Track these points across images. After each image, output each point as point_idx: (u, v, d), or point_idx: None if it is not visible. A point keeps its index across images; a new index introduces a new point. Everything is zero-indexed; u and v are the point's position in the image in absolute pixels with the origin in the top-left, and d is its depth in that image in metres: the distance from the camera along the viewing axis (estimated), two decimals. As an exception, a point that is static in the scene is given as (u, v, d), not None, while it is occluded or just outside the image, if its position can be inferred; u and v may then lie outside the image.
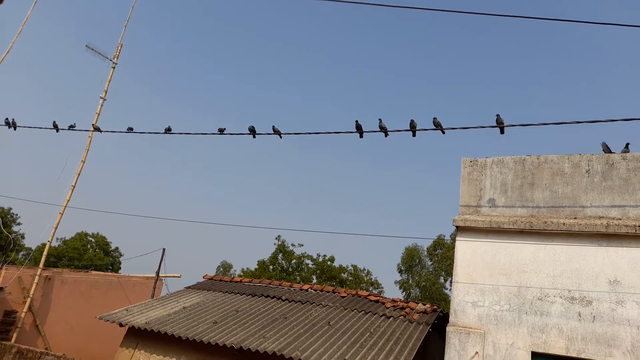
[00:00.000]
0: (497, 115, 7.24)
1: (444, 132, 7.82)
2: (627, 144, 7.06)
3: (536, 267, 6.64)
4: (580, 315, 6.18)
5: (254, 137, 9.38)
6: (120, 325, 9.51)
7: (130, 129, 11.21)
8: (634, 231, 6.20)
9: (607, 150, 7.02)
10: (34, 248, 33.40)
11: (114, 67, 16.63)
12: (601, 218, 6.57)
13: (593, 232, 6.42)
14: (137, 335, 9.39)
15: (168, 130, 10.60)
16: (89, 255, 36.76)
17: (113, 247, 40.61)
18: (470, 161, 7.80)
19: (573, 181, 6.95)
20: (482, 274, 6.90)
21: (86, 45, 15.96)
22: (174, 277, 18.07)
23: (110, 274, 20.38)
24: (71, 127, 12.39)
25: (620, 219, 6.45)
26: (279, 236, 31.73)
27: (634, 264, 6.17)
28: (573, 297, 6.31)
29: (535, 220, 6.82)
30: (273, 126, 9.17)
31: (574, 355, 6.03)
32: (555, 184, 7.05)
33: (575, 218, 6.71)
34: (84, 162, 15.35)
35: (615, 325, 5.98)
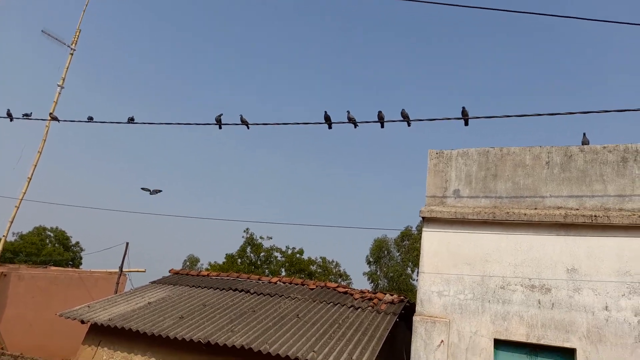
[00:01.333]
0: (463, 107, 7.37)
1: (409, 124, 7.89)
2: (584, 134, 7.32)
3: (499, 257, 6.83)
4: (539, 303, 6.41)
5: (220, 127, 9.20)
6: (82, 322, 9.19)
7: (90, 119, 10.76)
8: (590, 221, 6.47)
9: (585, 141, 7.25)
10: (-12, 244, 31.79)
11: (72, 54, 15.91)
12: (560, 208, 6.81)
13: (552, 222, 6.66)
14: (100, 332, 9.10)
15: (131, 120, 10.23)
16: (48, 250, 35.33)
17: (73, 241, 39.14)
18: (437, 153, 7.92)
19: (534, 172, 7.17)
20: (447, 264, 7.04)
21: (42, 31, 15.17)
22: (138, 272, 17.59)
23: (70, 269, 19.69)
24: (26, 116, 11.78)
25: (577, 209, 6.71)
26: (247, 229, 31.44)
27: (590, 252, 6.44)
28: (533, 285, 6.53)
29: (498, 211, 7.00)
30: (240, 115, 9.00)
31: (534, 341, 6.26)
32: (517, 175, 7.26)
33: (535, 208, 6.93)
34: (40, 153, 14.67)
35: (573, 311, 6.24)
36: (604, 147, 6.91)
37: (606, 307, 6.14)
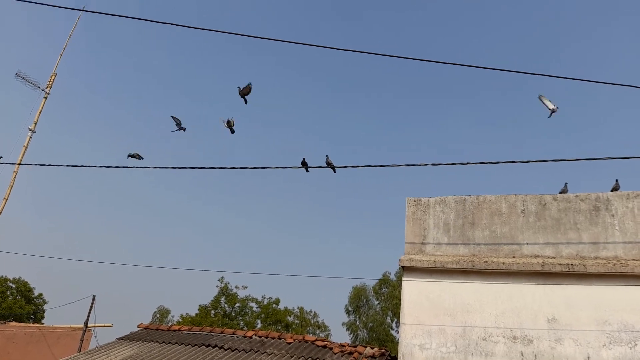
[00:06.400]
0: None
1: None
2: (566, 184, 7.55)
3: (479, 307, 6.73)
4: (522, 355, 6.27)
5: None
6: (39, 385, 8.48)
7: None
8: (567, 269, 6.49)
9: (564, 190, 7.47)
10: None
11: (46, 98, 15.74)
12: (537, 257, 6.84)
13: (530, 270, 6.65)
14: (58, 396, 8.39)
15: (135, 156, 9.61)
16: (8, 303, 33.30)
17: (36, 293, 37.13)
18: (414, 201, 7.95)
19: (510, 221, 7.24)
20: (428, 314, 6.89)
21: (16, 74, 15.05)
22: (104, 327, 16.66)
23: (31, 324, 18.52)
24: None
25: (554, 258, 6.75)
26: (222, 278, 30.51)
27: (569, 301, 6.41)
28: (515, 336, 6.42)
29: (477, 260, 6.98)
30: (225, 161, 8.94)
31: (518, 395, 6.06)
32: (493, 223, 7.31)
33: (513, 257, 6.94)
34: (6, 199, 14.12)
35: (555, 363, 6.11)
36: (576, 196, 7.08)
37: (588, 357, 6.05)
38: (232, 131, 8.72)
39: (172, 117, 8.93)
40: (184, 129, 9.03)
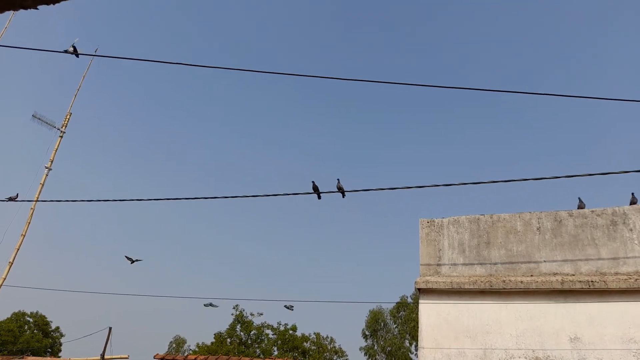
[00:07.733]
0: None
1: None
2: (580, 198, 7.47)
3: (499, 328, 6.60)
4: (546, 376, 6.10)
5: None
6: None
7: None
8: (587, 286, 6.36)
9: (581, 205, 7.41)
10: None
11: (61, 137, 16.14)
12: (556, 275, 6.72)
13: (550, 289, 6.53)
14: None
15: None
16: (26, 337, 33.42)
17: (53, 326, 37.26)
18: (428, 222, 7.91)
19: (526, 239, 7.16)
20: (447, 337, 6.77)
21: (33, 115, 15.48)
22: (121, 358, 16.56)
23: (48, 358, 18.50)
24: (12, 199, 11.68)
25: (573, 275, 6.63)
26: (236, 305, 30.32)
27: (591, 319, 6.26)
28: (537, 357, 6.26)
29: (494, 280, 6.88)
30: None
31: (545, 419, 5.87)
32: (509, 242, 7.23)
33: (531, 275, 6.83)
34: (24, 236, 14.34)
35: (581, 384, 5.93)
36: (592, 212, 6.99)
37: (616, 378, 5.86)
38: (77, 55, 8.62)
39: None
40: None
